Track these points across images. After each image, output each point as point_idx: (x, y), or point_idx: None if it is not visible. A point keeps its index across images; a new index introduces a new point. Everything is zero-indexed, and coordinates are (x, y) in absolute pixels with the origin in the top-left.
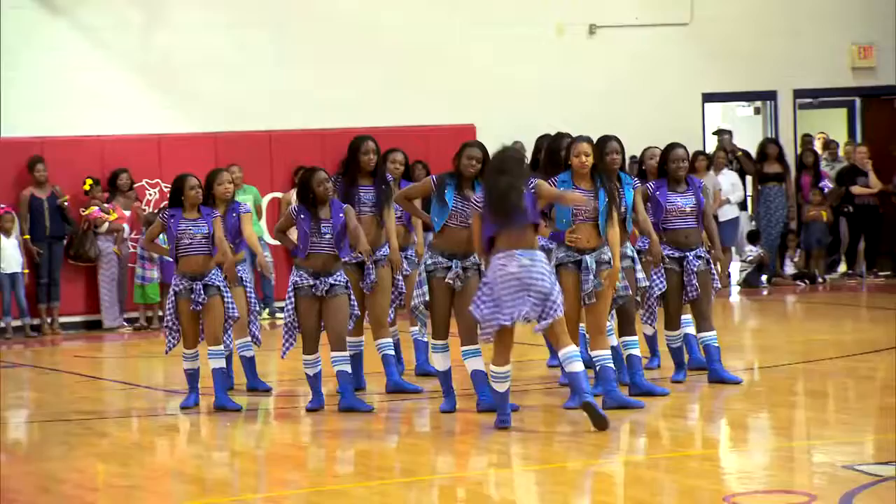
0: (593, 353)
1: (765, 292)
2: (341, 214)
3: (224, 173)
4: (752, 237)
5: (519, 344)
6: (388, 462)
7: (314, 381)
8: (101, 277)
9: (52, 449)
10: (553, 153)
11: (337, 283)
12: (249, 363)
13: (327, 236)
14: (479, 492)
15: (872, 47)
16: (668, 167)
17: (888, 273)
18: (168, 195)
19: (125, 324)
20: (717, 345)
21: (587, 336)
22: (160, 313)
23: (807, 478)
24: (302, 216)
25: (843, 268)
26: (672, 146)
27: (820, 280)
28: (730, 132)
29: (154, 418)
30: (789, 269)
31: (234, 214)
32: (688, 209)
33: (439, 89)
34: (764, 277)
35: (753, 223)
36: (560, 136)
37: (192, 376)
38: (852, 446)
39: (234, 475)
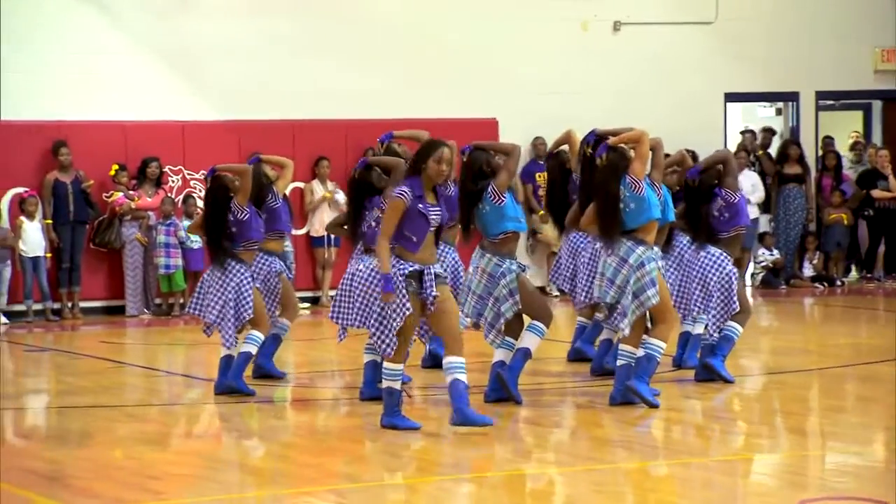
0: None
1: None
2: None
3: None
4: (761, 239)
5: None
6: (445, 458)
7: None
8: (125, 265)
9: (100, 435)
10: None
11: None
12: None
13: None
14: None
15: (895, 50)
16: None
17: None
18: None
19: (145, 310)
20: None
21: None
22: (182, 301)
23: (871, 484)
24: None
25: (856, 271)
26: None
27: (839, 283)
28: (752, 132)
29: (198, 406)
30: (808, 271)
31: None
32: None
33: (462, 83)
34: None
35: (772, 224)
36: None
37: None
38: None
39: (293, 467)
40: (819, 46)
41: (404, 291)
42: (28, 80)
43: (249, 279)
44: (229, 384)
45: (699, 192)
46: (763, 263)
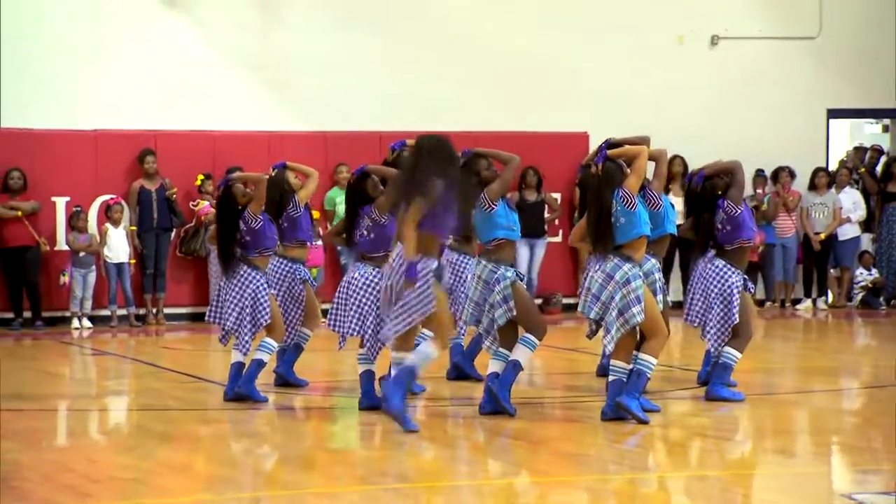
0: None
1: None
2: None
3: None
4: (861, 258)
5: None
6: (432, 467)
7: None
8: (210, 273)
9: (70, 437)
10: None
11: None
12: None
13: None
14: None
15: None
16: None
17: None
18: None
19: None
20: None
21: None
22: None
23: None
24: None
25: None
26: None
27: None
28: (865, 149)
29: (199, 412)
30: None
31: None
32: None
33: (553, 96)
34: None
35: (874, 244)
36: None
37: None
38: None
39: (240, 473)
40: None
41: (430, 286)
42: (120, 90)
43: (265, 285)
44: (240, 391)
45: (701, 199)
46: (862, 283)
